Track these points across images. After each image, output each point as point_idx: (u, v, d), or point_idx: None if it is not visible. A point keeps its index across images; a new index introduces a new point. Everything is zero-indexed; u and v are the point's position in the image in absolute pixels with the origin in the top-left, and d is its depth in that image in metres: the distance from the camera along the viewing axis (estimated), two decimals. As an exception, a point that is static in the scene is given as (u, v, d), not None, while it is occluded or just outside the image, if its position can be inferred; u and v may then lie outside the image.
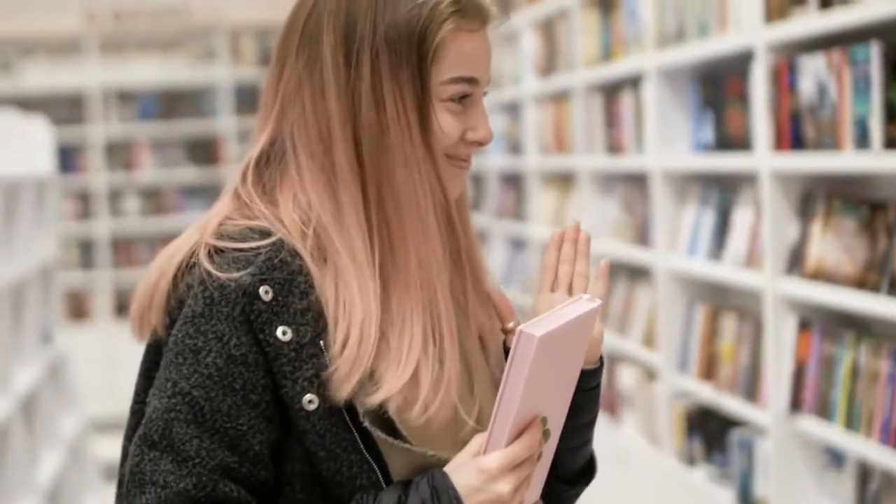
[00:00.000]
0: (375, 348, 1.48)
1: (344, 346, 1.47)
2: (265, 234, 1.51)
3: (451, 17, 1.53)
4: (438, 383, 1.50)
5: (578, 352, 1.55)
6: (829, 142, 3.33)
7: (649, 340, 4.85)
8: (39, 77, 9.77)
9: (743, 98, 3.95)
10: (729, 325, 4.15)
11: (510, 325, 1.69)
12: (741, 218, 4.04)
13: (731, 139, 4.07)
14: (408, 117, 1.52)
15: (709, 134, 4.24)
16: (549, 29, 6.18)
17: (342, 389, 1.46)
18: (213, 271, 1.47)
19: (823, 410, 3.47)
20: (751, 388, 3.93)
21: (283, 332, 1.46)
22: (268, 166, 1.58)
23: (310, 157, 1.54)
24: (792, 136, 3.52)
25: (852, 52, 3.19)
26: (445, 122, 1.55)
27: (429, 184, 1.53)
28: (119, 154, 9.81)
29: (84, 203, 9.82)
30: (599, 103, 5.36)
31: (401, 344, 1.50)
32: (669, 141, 4.54)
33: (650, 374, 4.88)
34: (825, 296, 3.44)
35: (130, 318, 1.57)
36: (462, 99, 1.56)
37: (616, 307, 5.27)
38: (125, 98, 9.83)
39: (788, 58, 3.54)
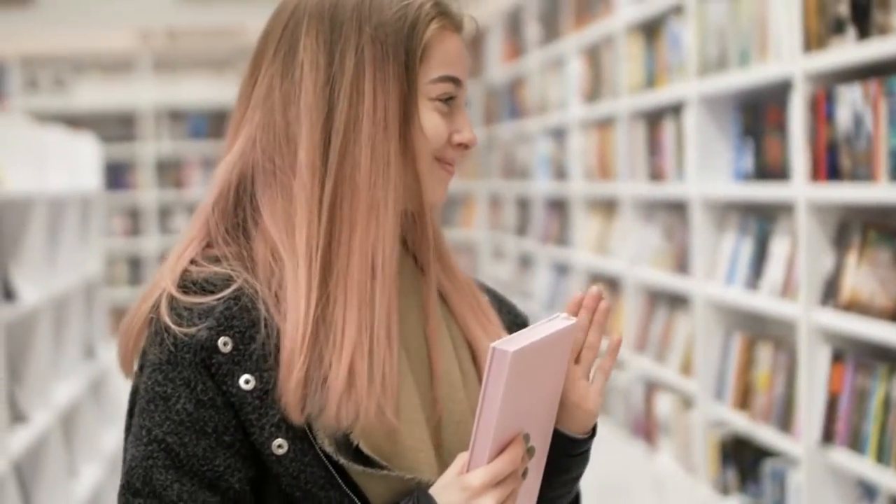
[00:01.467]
0: (307, 361, 1.47)
1: (287, 368, 1.47)
2: (227, 281, 1.51)
3: (437, 18, 1.56)
4: (372, 386, 1.48)
5: (558, 369, 1.55)
6: (864, 173, 3.32)
7: (686, 368, 4.83)
8: (92, 94, 9.89)
9: (781, 127, 3.94)
10: (765, 355, 4.13)
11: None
12: (778, 248, 4.02)
13: (770, 168, 4.06)
14: (387, 112, 1.51)
15: (749, 162, 4.24)
16: (594, 55, 6.19)
17: (293, 413, 1.46)
18: (172, 326, 1.47)
19: (855, 443, 3.45)
20: (785, 419, 3.91)
21: (245, 381, 1.46)
22: (244, 191, 1.56)
23: (271, 159, 1.53)
24: (828, 166, 3.51)
25: (888, 84, 3.18)
26: (434, 122, 1.55)
27: (394, 184, 1.52)
28: (169, 172, 9.91)
29: (133, 220, 9.91)
30: (642, 130, 5.36)
31: (334, 354, 1.48)
32: (710, 169, 4.53)
33: (687, 402, 4.86)
34: (859, 327, 3.42)
35: (117, 358, 1.58)
36: (448, 100, 1.57)
37: (655, 334, 5.27)
38: (176, 116, 9.93)
39: (826, 87, 3.53)
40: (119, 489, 1.50)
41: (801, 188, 3.66)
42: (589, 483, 6.42)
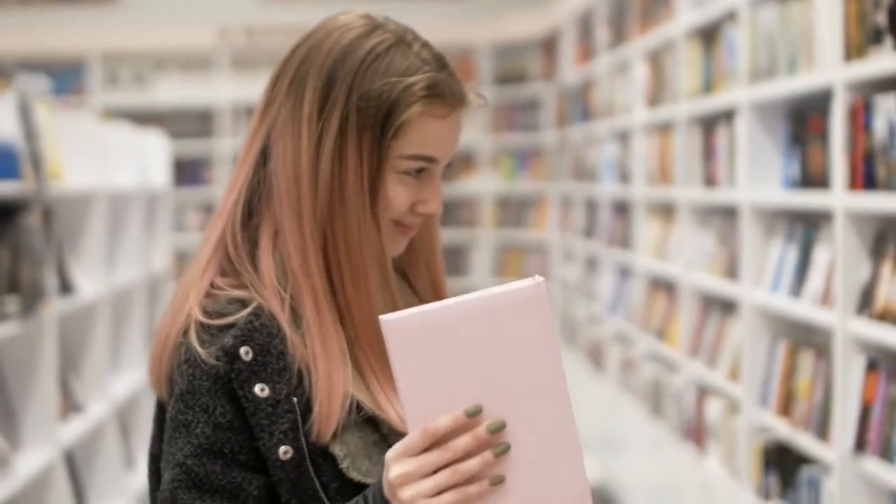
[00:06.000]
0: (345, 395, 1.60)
1: (316, 401, 1.59)
2: (246, 303, 1.62)
3: (420, 101, 1.63)
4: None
5: (530, 345, 1.42)
6: (897, 183, 3.32)
7: (734, 374, 4.84)
8: (171, 91, 10.03)
9: (823, 136, 3.95)
10: (806, 362, 4.14)
11: None
12: (820, 256, 4.03)
13: (813, 176, 4.06)
14: (362, 181, 1.62)
15: (796, 170, 4.24)
16: (657, 60, 6.20)
17: (324, 437, 1.58)
18: (199, 350, 1.59)
19: (886, 452, 3.45)
20: (822, 427, 3.92)
21: (260, 389, 1.58)
22: (256, 212, 1.68)
23: (286, 194, 1.64)
24: (865, 175, 3.51)
25: (922, 94, 3.18)
26: (396, 192, 1.65)
27: (372, 241, 1.64)
28: (245, 168, 10.01)
29: (209, 215, 10.02)
30: (699, 135, 5.37)
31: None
32: (760, 176, 4.54)
33: (733, 408, 4.87)
34: (892, 337, 3.42)
35: (149, 378, 1.71)
36: (419, 172, 1.65)
37: (708, 339, 5.27)
38: (252, 113, 10.02)
39: (865, 97, 3.53)
40: None
41: (839, 197, 3.67)
42: (641, 485, 6.45)
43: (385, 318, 1.41)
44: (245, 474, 1.59)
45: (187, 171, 9.87)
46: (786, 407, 4.26)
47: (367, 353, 1.63)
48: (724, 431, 4.96)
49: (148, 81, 10.07)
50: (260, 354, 1.58)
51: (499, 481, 1.43)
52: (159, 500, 1.61)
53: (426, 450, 1.44)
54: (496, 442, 1.43)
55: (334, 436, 1.58)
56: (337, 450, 1.58)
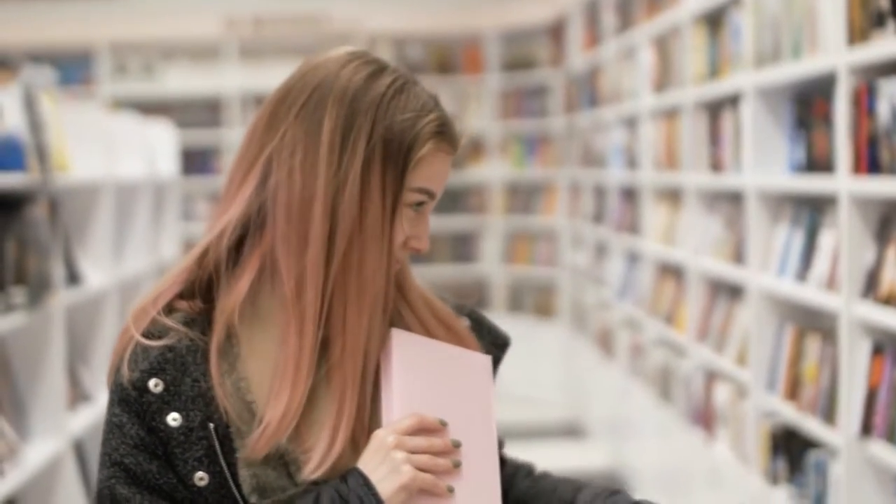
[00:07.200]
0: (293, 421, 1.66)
1: (265, 419, 1.65)
2: (168, 331, 1.68)
3: (434, 139, 1.70)
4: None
5: (475, 396, 1.71)
6: (900, 166, 3.32)
7: (742, 358, 4.84)
8: (179, 81, 10.04)
9: (828, 120, 3.94)
10: (813, 347, 4.14)
11: None
12: (826, 240, 4.03)
13: (818, 161, 4.06)
14: (384, 211, 1.66)
15: (801, 154, 4.24)
16: (663, 45, 6.19)
17: (258, 454, 1.65)
18: (125, 370, 1.66)
19: (892, 436, 3.45)
20: (829, 411, 3.92)
21: (173, 419, 1.64)
22: (250, 233, 1.71)
23: (287, 219, 1.66)
24: (869, 159, 3.51)
25: (924, 78, 3.18)
26: (401, 224, 1.70)
27: (385, 270, 1.70)
28: (253, 157, 10.02)
29: (218, 204, 10.04)
30: (705, 121, 5.37)
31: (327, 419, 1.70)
32: (765, 161, 4.54)
33: (741, 392, 4.88)
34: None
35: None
36: (418, 206, 1.71)
37: (716, 324, 5.28)
38: (261, 102, 9.93)
39: (869, 81, 3.53)
40: None
41: (844, 181, 3.66)
42: (650, 469, 6.47)
43: (395, 329, 1.69)
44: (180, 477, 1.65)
45: (196, 161, 9.88)
46: (793, 391, 4.27)
47: (347, 373, 1.67)
48: (732, 416, 4.97)
49: (156, 71, 10.08)
50: (172, 384, 1.65)
51: (451, 489, 1.65)
52: (97, 499, 1.67)
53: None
54: (454, 455, 1.66)
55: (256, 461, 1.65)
56: (247, 477, 1.65)
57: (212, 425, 1.63)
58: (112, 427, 1.66)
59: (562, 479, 1.91)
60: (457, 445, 1.64)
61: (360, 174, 1.65)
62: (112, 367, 1.70)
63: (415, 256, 1.76)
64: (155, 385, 1.64)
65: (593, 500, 1.81)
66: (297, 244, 1.65)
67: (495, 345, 1.87)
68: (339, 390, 1.66)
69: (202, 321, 1.69)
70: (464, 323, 1.85)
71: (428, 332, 1.78)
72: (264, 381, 1.67)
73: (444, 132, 1.72)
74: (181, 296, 1.71)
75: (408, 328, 1.76)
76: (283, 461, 1.65)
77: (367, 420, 1.68)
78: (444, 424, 1.65)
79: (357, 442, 1.67)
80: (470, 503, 1.64)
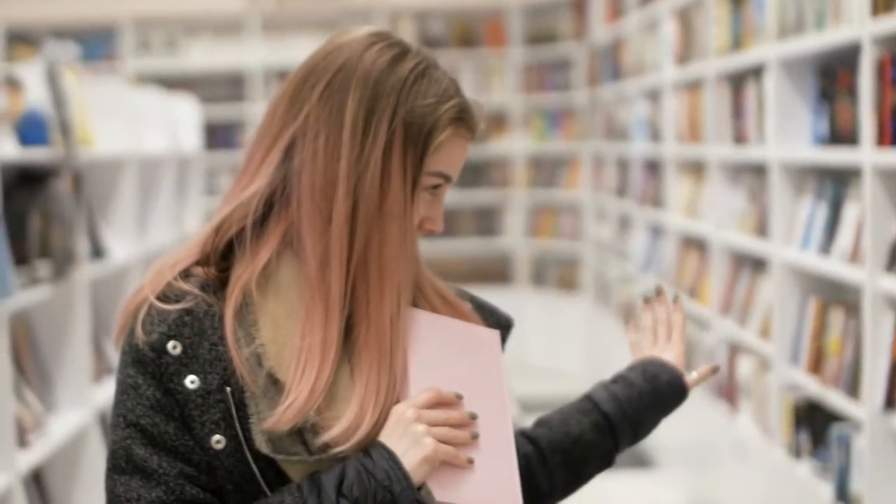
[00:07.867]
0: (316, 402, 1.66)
1: (291, 394, 1.65)
2: (185, 295, 1.68)
3: (453, 124, 1.72)
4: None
5: (485, 370, 1.74)
6: (924, 138, 3.30)
7: (765, 331, 4.84)
8: (203, 56, 10.04)
9: (852, 91, 3.92)
10: (836, 320, 4.13)
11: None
12: (849, 213, 4.01)
13: (842, 133, 4.04)
14: (405, 193, 1.68)
15: (825, 126, 4.22)
16: (686, 17, 6.17)
17: (282, 427, 1.64)
18: (140, 332, 1.65)
19: (916, 408, 3.45)
20: (852, 384, 3.91)
21: (191, 381, 1.65)
22: (273, 209, 1.71)
23: (311, 199, 1.67)
24: (893, 131, 3.49)
25: (948, 49, 3.16)
26: (417, 207, 1.72)
27: (409, 250, 1.72)
28: (276, 132, 10.02)
29: (241, 179, 10.05)
30: (728, 93, 5.35)
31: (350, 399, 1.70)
32: (788, 133, 4.52)
33: (765, 365, 4.87)
34: (920, 293, 3.41)
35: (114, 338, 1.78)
36: (434, 189, 1.74)
37: (739, 297, 5.27)
38: (284, 77, 9.92)
39: (893, 52, 3.51)
40: (105, 473, 1.69)
41: (868, 153, 3.65)
42: (674, 442, 6.46)
43: (416, 309, 1.73)
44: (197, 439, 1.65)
45: (220, 135, 9.88)
46: (816, 364, 4.26)
47: (373, 352, 1.68)
48: (756, 389, 4.96)
49: (179, 46, 10.07)
50: (190, 347, 1.65)
51: (470, 461, 1.66)
52: (109, 463, 1.67)
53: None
54: (471, 427, 1.67)
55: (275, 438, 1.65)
56: (262, 442, 1.64)
57: (228, 389, 1.64)
58: (126, 388, 1.67)
59: (557, 409, 2.00)
60: (473, 418, 1.67)
61: (381, 158, 1.67)
62: (122, 328, 1.70)
63: (439, 231, 1.78)
64: (173, 347, 1.64)
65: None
66: (322, 223, 1.67)
67: (499, 325, 1.89)
68: (366, 370, 1.67)
69: (217, 287, 1.70)
70: (467, 306, 1.87)
71: (436, 312, 1.80)
72: (280, 350, 1.68)
73: (464, 118, 1.73)
74: (197, 263, 1.72)
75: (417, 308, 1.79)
76: (298, 429, 1.65)
77: (400, 398, 1.69)
78: (459, 397, 1.67)
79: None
80: (488, 473, 1.66)
